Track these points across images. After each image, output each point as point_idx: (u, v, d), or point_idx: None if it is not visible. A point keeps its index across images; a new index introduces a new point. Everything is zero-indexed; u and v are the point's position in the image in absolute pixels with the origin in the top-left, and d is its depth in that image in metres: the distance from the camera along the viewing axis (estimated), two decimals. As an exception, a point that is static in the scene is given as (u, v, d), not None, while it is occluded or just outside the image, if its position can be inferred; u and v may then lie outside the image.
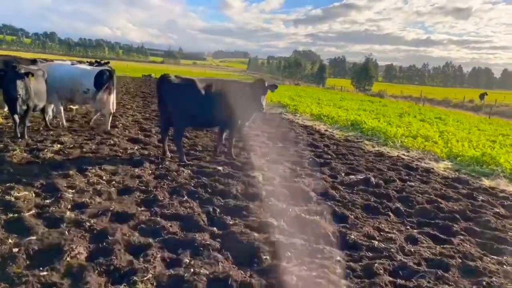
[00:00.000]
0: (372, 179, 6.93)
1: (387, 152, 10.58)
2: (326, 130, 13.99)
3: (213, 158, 7.93)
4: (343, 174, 7.54)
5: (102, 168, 6.42)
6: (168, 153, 7.79)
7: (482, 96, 55.07)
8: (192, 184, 5.92)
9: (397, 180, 7.29)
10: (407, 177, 7.69)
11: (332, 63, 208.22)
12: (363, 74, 75.66)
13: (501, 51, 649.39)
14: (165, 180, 6.06)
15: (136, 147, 8.18)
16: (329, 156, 9.02)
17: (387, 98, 50.54)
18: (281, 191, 5.84)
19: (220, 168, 6.92)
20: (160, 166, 6.92)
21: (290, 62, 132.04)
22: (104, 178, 5.96)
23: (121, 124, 11.00)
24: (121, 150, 7.79)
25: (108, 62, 17.22)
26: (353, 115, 17.36)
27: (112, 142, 8.43)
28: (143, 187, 5.64)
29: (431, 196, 6.39)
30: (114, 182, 5.80)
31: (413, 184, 7.21)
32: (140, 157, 7.31)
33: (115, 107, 10.50)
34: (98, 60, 16.24)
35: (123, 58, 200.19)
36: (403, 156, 10.13)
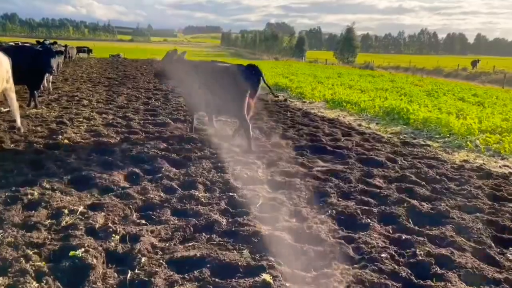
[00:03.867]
0: None
1: (483, 163, 6.96)
2: (360, 125, 10.25)
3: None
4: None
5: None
6: None
7: (474, 64, 52.36)
8: None
9: None
10: None
11: (308, 35, 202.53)
12: (346, 45, 71.50)
13: (471, 16, 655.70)
14: None
15: (81, 207, 4.21)
16: (422, 189, 5.29)
17: (377, 70, 47.08)
18: None
19: (268, 277, 3.07)
20: (133, 272, 3.05)
21: (267, 35, 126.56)
22: None
23: (66, 140, 6.95)
24: (47, 223, 3.83)
25: (55, 43, 12.91)
26: (380, 99, 13.68)
27: (35, 194, 4.43)
28: None
29: None
30: None
31: None
32: (85, 247, 3.35)
33: None
34: (40, 40, 11.88)
35: (89, 37, 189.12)
36: (515, 172, 6.53)
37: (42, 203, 4.20)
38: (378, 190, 5.14)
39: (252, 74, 6.96)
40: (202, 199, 4.67)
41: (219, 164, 6.09)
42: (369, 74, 30.40)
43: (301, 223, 4.09)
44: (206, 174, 5.58)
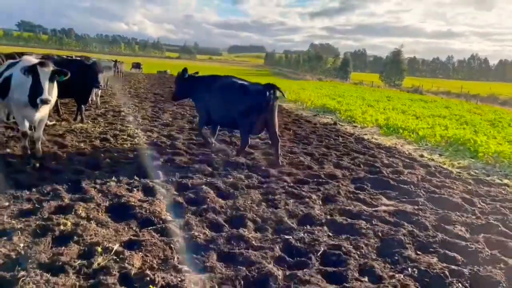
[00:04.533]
0: None
1: None
2: (422, 156, 9.26)
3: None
4: None
5: None
6: None
7: (533, 92, 49.09)
8: None
9: None
10: None
11: (352, 56, 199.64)
12: (394, 68, 69.53)
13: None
14: None
15: (117, 245, 3.62)
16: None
17: (427, 95, 45.10)
18: None
19: None
20: None
21: (310, 56, 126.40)
22: None
23: (108, 159, 6.56)
24: (76, 264, 3.25)
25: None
26: (440, 127, 12.58)
27: (68, 224, 3.92)
28: None
29: None
30: None
31: None
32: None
33: None
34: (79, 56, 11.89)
35: (139, 53, 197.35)
36: None
37: (75, 237, 3.69)
38: (464, 243, 4.25)
39: (268, 93, 7.00)
40: (253, 241, 4.00)
41: (269, 196, 5.44)
42: (420, 98, 29.01)
43: (376, 284, 3.32)
44: (256, 208, 4.93)
